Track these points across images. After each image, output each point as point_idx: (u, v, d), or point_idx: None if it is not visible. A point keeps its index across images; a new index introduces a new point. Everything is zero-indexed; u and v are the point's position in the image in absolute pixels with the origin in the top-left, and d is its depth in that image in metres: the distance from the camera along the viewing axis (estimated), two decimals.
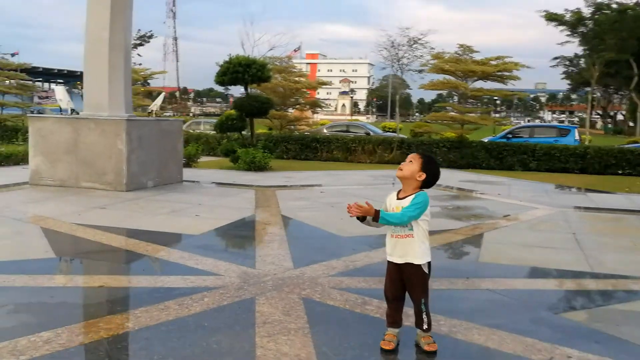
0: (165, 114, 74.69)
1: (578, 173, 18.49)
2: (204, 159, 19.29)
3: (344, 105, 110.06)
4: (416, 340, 4.00)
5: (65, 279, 5.28)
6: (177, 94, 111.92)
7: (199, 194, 10.66)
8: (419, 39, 26.54)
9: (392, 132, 31.70)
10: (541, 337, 4.19)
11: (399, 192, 3.89)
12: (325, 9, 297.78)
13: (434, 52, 24.45)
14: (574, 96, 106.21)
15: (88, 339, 3.96)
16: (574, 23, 55.20)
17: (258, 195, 10.71)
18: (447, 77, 22.83)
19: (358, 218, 3.73)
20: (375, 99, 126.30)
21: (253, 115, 18.48)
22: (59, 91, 13.21)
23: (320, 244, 7.12)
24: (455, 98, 27.11)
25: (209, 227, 7.80)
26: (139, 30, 34.50)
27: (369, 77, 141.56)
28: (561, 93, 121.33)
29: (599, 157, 19.05)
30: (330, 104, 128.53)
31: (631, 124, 59.11)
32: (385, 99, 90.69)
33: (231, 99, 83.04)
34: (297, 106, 29.79)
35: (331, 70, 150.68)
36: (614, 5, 52.37)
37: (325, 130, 27.80)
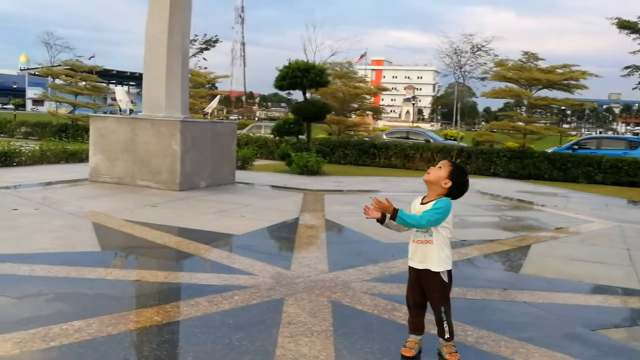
0: (231, 117, 76.37)
1: None
2: (261, 162, 19.59)
3: (407, 112, 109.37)
4: (439, 349, 3.93)
5: (106, 272, 5.46)
6: (244, 98, 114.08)
7: (248, 195, 10.82)
8: (483, 46, 26.05)
9: (454, 140, 31.27)
10: (572, 353, 4.04)
11: (424, 197, 3.84)
12: (392, 15, 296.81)
13: (497, 60, 23.95)
14: None
15: (116, 330, 4.08)
16: None
17: (306, 198, 10.77)
18: (510, 85, 22.27)
19: (378, 220, 3.69)
20: (439, 107, 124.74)
21: (310, 120, 18.63)
22: (119, 92, 13.71)
23: (359, 249, 7.09)
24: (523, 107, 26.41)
25: (252, 227, 7.90)
26: (205, 34, 35.35)
27: (434, 85, 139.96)
28: (637, 104, 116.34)
29: None
30: (394, 111, 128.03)
31: None
32: (450, 106, 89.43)
33: None
34: (357, 112, 29.79)
35: (396, 77, 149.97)
36: None
37: (384, 137, 27.67)
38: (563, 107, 43.86)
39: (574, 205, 11.89)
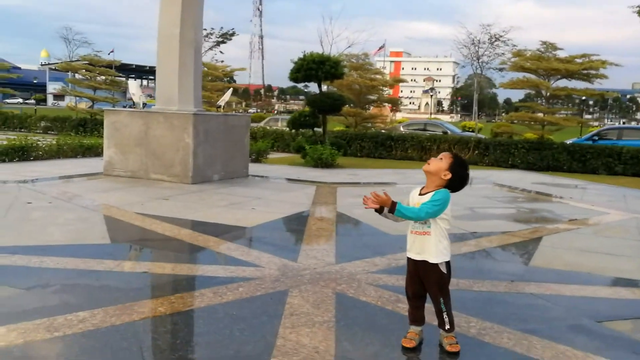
0: (250, 110, 76.63)
1: None
2: (277, 155, 19.64)
3: (427, 103, 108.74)
4: (440, 340, 3.91)
5: (114, 264, 5.52)
6: (262, 91, 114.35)
7: (260, 188, 10.85)
8: (501, 36, 25.75)
9: (472, 131, 31.00)
10: (576, 344, 3.99)
11: (422, 188, 3.81)
12: (411, 6, 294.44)
13: (515, 50, 23.66)
14: None
15: (120, 321, 4.13)
16: None
17: (318, 191, 10.77)
18: (528, 75, 22.00)
19: (376, 210, 3.67)
20: (459, 98, 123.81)
21: (325, 112, 18.59)
22: (132, 86, 13.77)
23: (367, 241, 7.08)
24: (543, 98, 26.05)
25: (262, 220, 7.92)
26: (222, 28, 35.45)
27: (453, 76, 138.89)
28: None
29: None
30: (413, 102, 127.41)
31: None
32: (470, 98, 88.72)
33: None
34: (374, 104, 29.68)
35: (415, 69, 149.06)
36: None
37: (402, 129, 27.54)
38: (584, 98, 43.29)
39: (590, 197, 11.74)
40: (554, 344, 3.99)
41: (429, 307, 3.95)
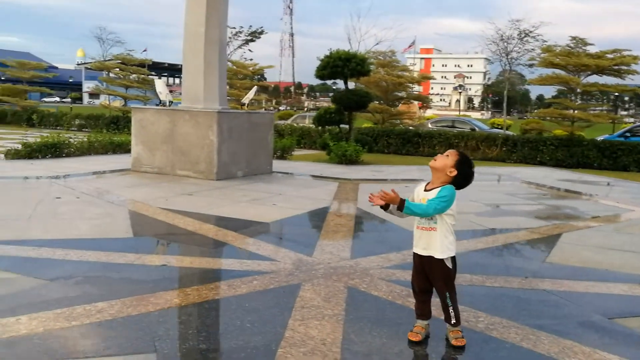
0: (280, 108, 76.95)
1: None
2: (303, 151, 19.78)
3: (457, 100, 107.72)
4: (446, 334, 3.97)
5: (134, 257, 5.70)
6: (292, 88, 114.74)
7: (282, 185, 10.98)
8: (530, 32, 25.40)
9: (500, 129, 30.67)
10: (584, 340, 4.01)
11: (427, 184, 3.87)
12: (442, 2, 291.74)
13: (545, 46, 23.33)
14: None
15: (136, 312, 4.28)
16: None
17: (340, 187, 10.86)
18: (557, 71, 21.71)
19: (382, 207, 3.75)
20: (490, 95, 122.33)
21: (351, 109, 18.65)
22: (158, 84, 14.04)
23: (384, 237, 7.15)
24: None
25: (282, 215, 8.05)
26: (250, 26, 35.72)
27: (484, 72, 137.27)
28: None
29: None
30: (443, 99, 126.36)
31: None
32: (501, 94, 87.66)
33: None
34: (402, 100, 29.60)
35: (446, 65, 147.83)
36: None
37: (430, 125, 27.43)
38: (617, 94, 42.43)
39: (616, 194, 11.57)
40: (562, 339, 4.01)
41: (437, 301, 4.00)
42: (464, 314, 4.38)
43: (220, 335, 4.00)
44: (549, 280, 5.49)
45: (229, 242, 6.56)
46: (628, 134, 23.07)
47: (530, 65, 26.10)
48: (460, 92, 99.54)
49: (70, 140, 14.56)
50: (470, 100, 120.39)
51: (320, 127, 20.44)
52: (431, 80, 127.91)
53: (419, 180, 4.78)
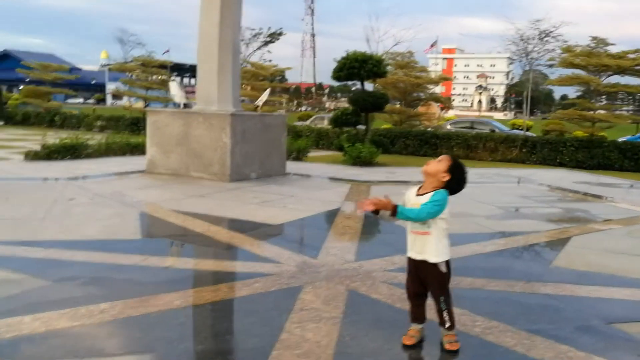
0: (301, 108, 77.08)
1: None
2: (320, 153, 19.83)
3: (479, 101, 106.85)
4: (440, 338, 3.97)
5: (140, 259, 5.78)
6: (313, 89, 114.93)
7: (294, 186, 11.03)
8: (551, 32, 25.11)
9: (521, 129, 30.37)
10: (579, 345, 3.99)
11: (419, 188, 3.89)
12: (465, 1, 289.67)
13: (565, 46, 23.05)
14: None
15: (137, 312, 4.36)
16: None
17: (352, 189, 10.88)
18: (577, 71, 21.46)
19: (372, 212, 3.76)
20: (513, 95, 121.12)
21: (367, 110, 18.65)
22: (173, 87, 14.26)
23: (391, 239, 7.14)
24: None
25: (291, 217, 8.09)
26: (269, 28, 35.93)
27: (507, 72, 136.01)
28: None
29: None
30: (466, 100, 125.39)
31: None
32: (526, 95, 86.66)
33: None
34: (421, 101, 29.48)
35: (468, 65, 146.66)
36: None
37: (448, 126, 27.29)
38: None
39: (633, 197, 11.42)
40: (557, 344, 3.99)
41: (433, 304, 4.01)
42: (462, 317, 4.39)
43: (217, 336, 4.06)
44: (551, 284, 5.45)
45: (235, 244, 6.62)
46: None
47: (551, 66, 25.79)
48: (480, 93, 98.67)
49: (89, 141, 14.77)
50: (493, 100, 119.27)
51: (337, 128, 20.49)
52: (453, 81, 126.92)
53: (419, 182, 4.81)
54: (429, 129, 24.66)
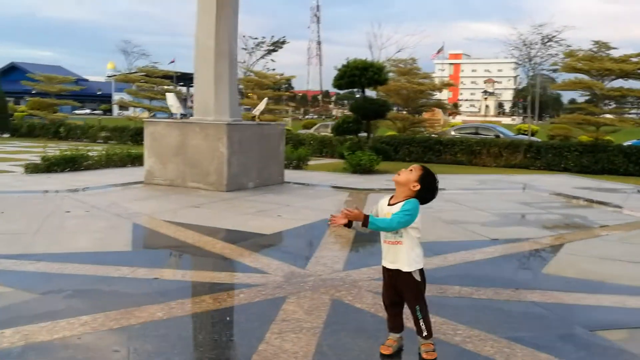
0: (307, 116, 77.23)
1: None
2: (322, 160, 19.84)
3: (487, 106, 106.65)
4: (418, 347, 3.95)
5: (129, 271, 5.79)
6: (320, 97, 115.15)
7: (292, 195, 11.03)
8: (554, 37, 25.10)
9: (526, 134, 30.24)
10: (559, 353, 3.95)
11: (391, 198, 3.88)
12: (471, 7, 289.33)
13: (567, 50, 23.02)
14: None
15: (118, 325, 4.37)
16: None
17: (350, 198, 10.87)
18: (580, 76, 21.39)
19: (345, 225, 3.76)
20: (521, 100, 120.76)
21: (369, 118, 18.67)
22: (170, 97, 14.24)
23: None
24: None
25: (284, 227, 8.10)
26: (273, 36, 36.07)
27: (515, 77, 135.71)
28: None
29: None
30: (474, 105, 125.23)
31: None
32: (532, 99, 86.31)
33: None
34: (425, 108, 29.47)
35: (475, 71, 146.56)
36: None
37: (453, 132, 27.25)
38: None
39: (633, 203, 11.32)
40: (537, 352, 3.96)
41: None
42: (443, 326, 4.37)
43: (195, 348, 4.05)
44: (539, 291, 5.41)
45: (225, 255, 6.61)
46: None
47: (554, 71, 25.78)
48: (485, 98, 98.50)
49: (89, 153, 14.85)
50: (500, 105, 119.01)
51: (338, 136, 20.49)
52: (460, 86, 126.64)
53: None
54: (433, 136, 24.63)
